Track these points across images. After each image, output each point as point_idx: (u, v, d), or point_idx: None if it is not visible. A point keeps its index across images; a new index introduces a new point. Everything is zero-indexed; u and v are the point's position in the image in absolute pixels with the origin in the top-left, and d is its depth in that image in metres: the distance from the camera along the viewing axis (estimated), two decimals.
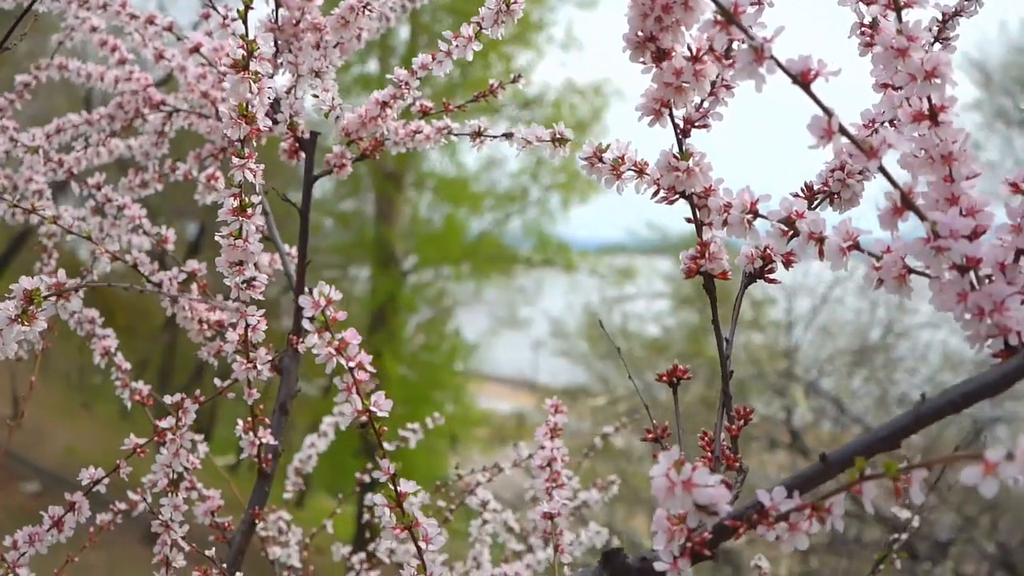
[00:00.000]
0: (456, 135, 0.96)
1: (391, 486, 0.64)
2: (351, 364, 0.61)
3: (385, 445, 0.66)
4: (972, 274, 0.51)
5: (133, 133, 1.36)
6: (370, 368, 0.62)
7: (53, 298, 0.65)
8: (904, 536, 1.07)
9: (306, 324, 0.60)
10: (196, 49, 1.04)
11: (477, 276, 11.61)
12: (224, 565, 0.92)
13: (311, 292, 0.59)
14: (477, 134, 0.94)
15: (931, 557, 5.50)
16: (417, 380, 10.88)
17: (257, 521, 0.98)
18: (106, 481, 0.92)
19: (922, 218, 0.51)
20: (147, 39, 1.12)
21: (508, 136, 0.88)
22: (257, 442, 0.96)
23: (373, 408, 0.62)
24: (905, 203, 0.51)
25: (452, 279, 11.68)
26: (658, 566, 0.54)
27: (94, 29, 1.21)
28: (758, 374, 6.80)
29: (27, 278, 0.66)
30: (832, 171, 0.68)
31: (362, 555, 1.35)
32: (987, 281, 0.52)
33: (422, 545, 0.64)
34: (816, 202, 0.68)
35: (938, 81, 0.53)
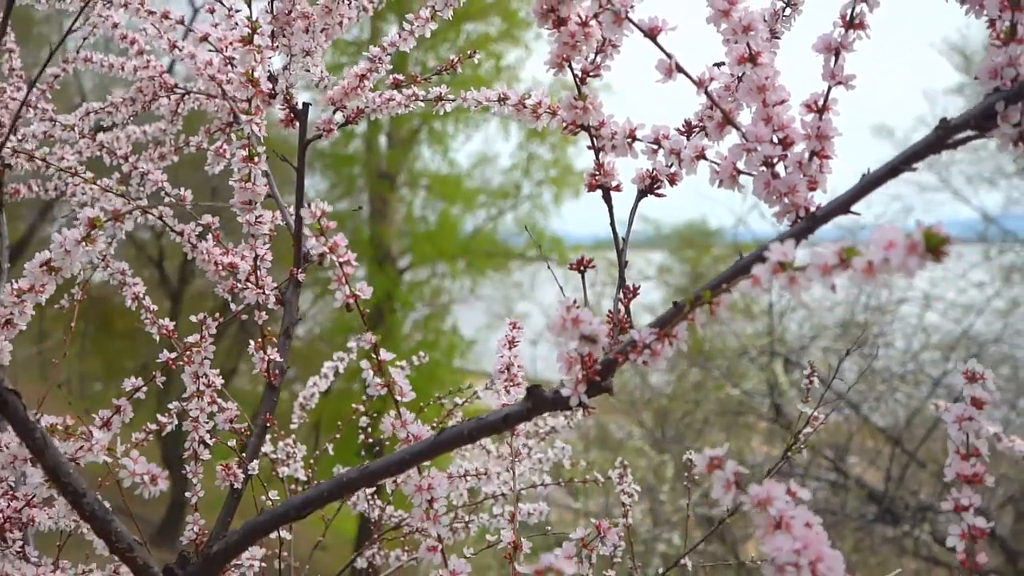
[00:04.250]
0: (422, 101, 1.17)
1: (373, 355, 0.85)
2: (341, 260, 0.82)
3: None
4: (775, 168, 0.72)
5: (152, 119, 1.57)
6: (354, 264, 0.83)
7: (111, 221, 0.85)
8: (809, 431, 1.28)
9: (306, 231, 0.81)
10: (205, 38, 1.25)
11: (472, 272, 11.80)
12: (243, 454, 1.13)
13: (309, 205, 0.80)
14: (439, 99, 1.15)
15: (911, 521, 5.72)
16: (416, 377, 11.03)
17: (268, 425, 1.19)
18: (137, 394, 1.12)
19: (738, 129, 0.72)
20: (162, 31, 1.32)
21: (460, 100, 1.08)
22: (266, 359, 1.17)
23: (358, 292, 0.83)
24: (726, 120, 0.72)
25: (448, 276, 11.88)
26: (563, 391, 0.75)
27: (115, 25, 1.41)
28: (745, 354, 7.02)
29: (88, 208, 0.86)
30: (703, 109, 0.89)
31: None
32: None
33: (398, 398, 0.85)
34: (693, 134, 0.89)
35: (752, 33, 0.73)
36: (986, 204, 8.57)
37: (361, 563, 1.60)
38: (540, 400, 0.78)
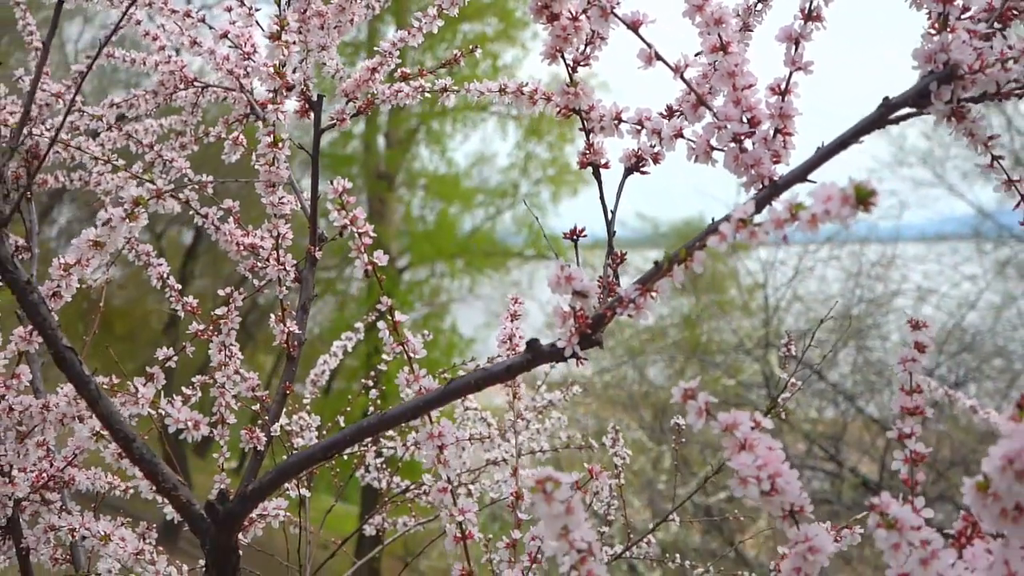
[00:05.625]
0: (428, 92, 1.27)
1: (389, 316, 0.95)
2: (360, 231, 0.92)
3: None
4: (742, 143, 0.82)
5: (168, 113, 1.67)
6: (372, 234, 0.92)
7: (154, 200, 0.95)
8: (789, 394, 1.38)
9: (329, 205, 0.91)
10: (224, 35, 1.34)
11: (471, 272, 11.91)
12: (266, 419, 1.23)
13: (332, 182, 0.90)
14: (444, 90, 1.25)
15: None
16: None
17: (288, 393, 1.29)
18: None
19: (710, 110, 0.82)
20: (184, 29, 1.42)
21: (466, 91, 1.18)
22: (286, 331, 1.26)
23: (375, 260, 0.93)
24: (699, 101, 0.82)
25: (446, 275, 11.98)
26: (559, 343, 0.85)
27: (139, 22, 1.51)
28: (742, 346, 7.14)
29: (132, 187, 0.96)
30: (682, 96, 0.98)
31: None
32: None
33: (411, 355, 0.95)
34: (673, 117, 0.99)
35: (724, 25, 0.83)
36: (981, 199, 8.68)
37: (369, 531, 1.70)
38: (539, 352, 0.87)
